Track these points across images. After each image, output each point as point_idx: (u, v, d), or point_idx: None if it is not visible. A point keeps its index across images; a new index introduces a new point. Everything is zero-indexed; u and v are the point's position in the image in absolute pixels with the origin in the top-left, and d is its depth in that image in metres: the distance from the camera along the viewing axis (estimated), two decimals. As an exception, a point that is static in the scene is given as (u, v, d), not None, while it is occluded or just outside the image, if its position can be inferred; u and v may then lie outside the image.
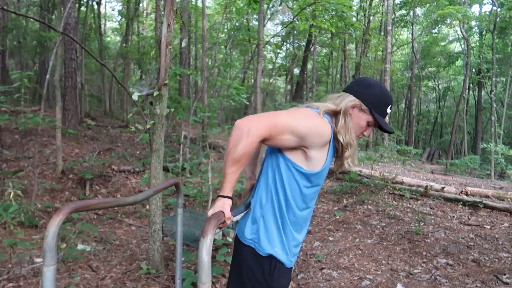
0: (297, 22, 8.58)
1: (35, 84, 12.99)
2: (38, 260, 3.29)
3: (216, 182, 5.13)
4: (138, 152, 8.45)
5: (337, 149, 1.50)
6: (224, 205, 1.33)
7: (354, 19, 13.10)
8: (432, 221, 5.05)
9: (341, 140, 1.45)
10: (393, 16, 16.33)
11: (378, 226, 4.93)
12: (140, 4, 17.58)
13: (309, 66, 19.95)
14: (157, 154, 3.14)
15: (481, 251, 4.01)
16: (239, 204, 1.67)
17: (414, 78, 19.62)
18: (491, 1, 15.45)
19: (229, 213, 1.33)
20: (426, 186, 6.45)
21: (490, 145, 12.10)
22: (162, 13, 3.13)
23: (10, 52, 13.70)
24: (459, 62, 22.37)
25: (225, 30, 15.79)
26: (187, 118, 6.23)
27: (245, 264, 1.50)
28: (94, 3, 14.85)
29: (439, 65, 23.26)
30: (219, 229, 1.51)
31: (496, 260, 3.78)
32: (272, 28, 24.10)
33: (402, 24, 19.15)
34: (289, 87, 24.00)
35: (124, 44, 15.39)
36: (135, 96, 3.09)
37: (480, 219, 5.23)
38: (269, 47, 16.96)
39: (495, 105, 14.90)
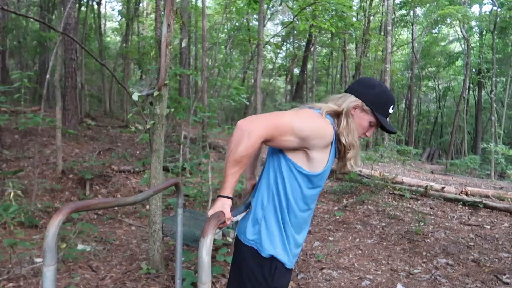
0: (297, 22, 8.58)
1: (35, 84, 12.99)
2: (38, 260, 3.29)
3: (216, 182, 5.13)
4: (138, 152, 8.45)
5: (340, 150, 1.49)
6: (224, 205, 1.33)
7: (354, 19, 13.10)
8: (432, 221, 5.05)
9: (344, 141, 1.44)
10: (393, 16, 16.34)
11: (378, 226, 4.93)
12: (140, 4, 17.58)
13: (309, 66, 19.95)
14: (157, 154, 3.14)
15: (481, 251, 4.01)
16: (239, 204, 1.67)
17: (414, 78, 19.62)
18: (491, 1, 15.46)
19: (229, 213, 1.32)
20: (426, 186, 6.45)
21: (490, 145, 12.10)
22: (162, 13, 3.13)
23: (10, 52, 13.70)
24: (459, 62, 22.37)
25: (225, 30, 15.79)
26: (187, 118, 6.23)
27: (245, 264, 1.50)
28: (94, 3, 14.86)
29: (439, 65, 23.27)
30: (219, 229, 1.51)
31: (496, 260, 3.78)
32: (272, 28, 24.11)
33: (402, 24, 19.15)
34: (289, 87, 24.00)
35: (124, 44, 15.39)
36: (135, 96, 3.09)
37: (480, 219, 5.23)
38: (269, 47, 16.96)
39: (495, 105, 14.89)
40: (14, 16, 12.15)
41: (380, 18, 18.58)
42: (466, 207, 5.71)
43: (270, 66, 21.30)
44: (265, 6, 11.98)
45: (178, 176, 6.15)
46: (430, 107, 29.97)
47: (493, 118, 14.66)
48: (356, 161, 1.49)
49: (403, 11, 17.59)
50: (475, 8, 21.11)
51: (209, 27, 16.31)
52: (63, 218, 1.10)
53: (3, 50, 9.36)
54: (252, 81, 17.53)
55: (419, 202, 6.04)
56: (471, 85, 20.81)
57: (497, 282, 3.27)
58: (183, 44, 10.84)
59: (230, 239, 3.87)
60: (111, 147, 8.20)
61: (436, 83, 26.47)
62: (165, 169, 5.79)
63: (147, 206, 4.68)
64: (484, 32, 18.48)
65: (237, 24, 14.20)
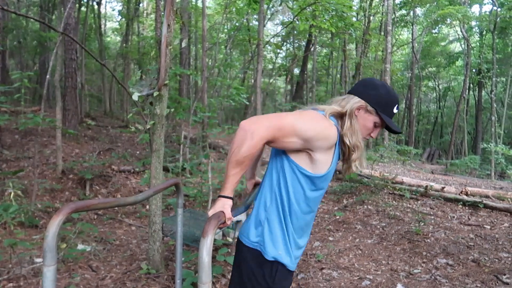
0: (297, 22, 8.58)
1: (35, 84, 12.99)
2: (38, 260, 3.29)
3: (216, 182, 5.13)
4: (138, 152, 8.45)
5: (344, 152, 1.48)
6: (224, 205, 1.32)
7: (354, 19, 13.09)
8: (432, 221, 5.05)
9: (348, 142, 1.43)
10: (393, 16, 16.34)
11: (378, 226, 4.93)
12: (140, 4, 17.58)
13: (309, 66, 19.95)
14: (157, 154, 3.14)
15: (481, 251, 4.01)
16: (239, 204, 1.67)
17: (414, 78, 19.62)
18: (491, 1, 15.45)
19: (230, 213, 1.32)
20: (426, 186, 6.45)
21: (490, 145, 12.10)
22: (162, 13, 3.13)
23: (10, 52, 13.71)
24: (459, 62, 22.37)
25: (225, 30, 15.79)
26: (187, 118, 6.23)
27: (246, 265, 1.49)
28: (94, 3, 14.86)
29: (439, 65, 23.26)
30: (219, 229, 1.51)
31: (496, 260, 3.78)
32: (272, 28, 24.12)
33: (402, 24, 19.15)
34: (289, 87, 24.00)
35: (124, 44, 15.39)
36: (135, 96, 3.09)
37: (480, 219, 5.23)
38: (269, 47, 16.96)
39: (495, 105, 14.89)
40: (14, 16, 12.15)
41: (380, 18, 18.57)
42: (466, 207, 5.71)
43: (270, 66, 21.30)
44: (265, 6, 11.98)
45: (178, 176, 6.16)
46: (430, 107, 29.98)
47: (493, 118, 14.66)
48: (361, 162, 1.48)
49: (403, 11, 17.59)
50: (475, 8, 21.14)
51: (209, 27, 16.32)
52: (63, 218, 1.11)
53: (3, 50, 9.36)
54: (252, 81, 17.53)
55: (419, 202, 6.04)
56: (471, 85, 20.81)
57: (497, 282, 3.27)
58: (183, 44, 10.84)
59: (230, 239, 3.87)
60: (111, 147, 8.21)
61: (436, 83, 26.47)
62: (165, 169, 5.79)
63: (147, 206, 4.68)
64: (484, 32, 18.48)
65: (237, 24, 14.20)
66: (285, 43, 20.29)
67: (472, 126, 23.07)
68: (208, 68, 9.47)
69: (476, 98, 21.55)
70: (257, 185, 1.88)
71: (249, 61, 14.39)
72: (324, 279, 3.38)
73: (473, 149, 19.76)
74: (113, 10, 24.47)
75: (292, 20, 9.73)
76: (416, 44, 19.27)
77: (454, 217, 5.32)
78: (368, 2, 17.11)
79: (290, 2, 13.71)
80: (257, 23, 11.05)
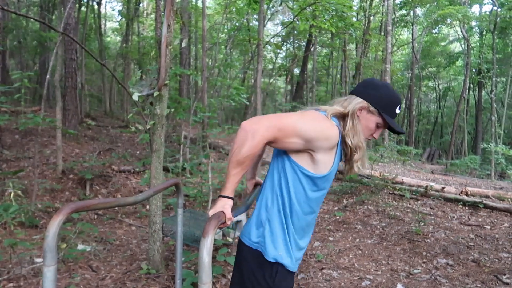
0: (297, 22, 8.58)
1: (36, 84, 12.99)
2: (39, 260, 3.29)
3: (216, 182, 5.13)
4: (138, 152, 8.46)
5: (346, 153, 1.48)
6: (225, 205, 1.32)
7: (354, 19, 13.09)
8: (432, 221, 5.05)
9: (349, 143, 1.43)
10: (393, 16, 16.33)
11: (378, 226, 4.93)
12: (140, 4, 17.59)
13: (309, 66, 19.95)
14: (157, 154, 3.14)
15: (481, 251, 4.01)
16: (239, 205, 1.67)
17: (414, 78, 19.62)
18: (491, 1, 15.46)
19: (230, 213, 1.32)
20: (426, 186, 6.44)
21: (491, 145, 12.10)
22: (162, 13, 3.13)
23: (10, 52, 13.71)
24: (459, 62, 22.36)
25: (225, 30, 15.79)
26: (187, 118, 6.23)
27: (246, 264, 1.49)
28: (94, 3, 14.86)
29: (439, 65, 23.26)
30: (220, 229, 1.51)
31: (496, 260, 3.78)
32: (272, 28, 24.12)
33: (402, 24, 19.15)
34: (289, 87, 24.00)
35: (124, 44, 15.40)
36: (135, 96, 3.09)
37: (480, 219, 5.23)
38: (269, 47, 16.96)
39: (495, 105, 14.89)
40: (15, 16, 12.16)
41: (380, 18, 18.58)
42: (466, 207, 5.71)
43: (270, 66, 21.30)
44: (265, 6, 11.97)
45: (178, 176, 6.16)
46: (430, 107, 29.98)
47: (493, 118, 14.66)
48: (363, 163, 1.48)
49: (403, 11, 17.59)
50: (475, 8, 21.14)
51: (209, 27, 16.32)
52: (63, 218, 1.11)
53: (3, 50, 9.36)
54: (252, 81, 17.54)
55: (419, 202, 6.04)
56: (471, 85, 20.81)
57: (497, 282, 3.28)
58: (183, 44, 10.84)
59: (230, 239, 3.87)
60: (111, 147, 8.21)
61: (436, 83, 26.47)
62: (165, 169, 5.79)
63: (147, 206, 4.69)
64: (484, 32, 18.48)
65: (237, 24, 14.20)
66: (285, 43, 20.29)
67: (472, 126, 23.07)
68: (208, 68, 9.48)
69: (476, 98, 21.55)
70: (257, 185, 1.88)
71: (249, 61, 14.39)
72: (324, 279, 3.38)
73: (473, 149, 19.76)
74: (113, 10, 24.49)
75: (292, 20, 9.73)
76: (416, 44, 19.27)
77: (454, 217, 5.32)
78: (368, 2, 17.11)
79: (290, 2, 13.71)
80: (257, 23, 11.05)
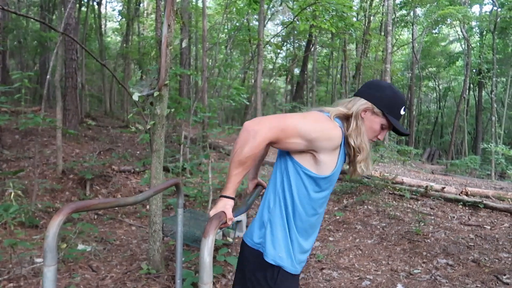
0: (297, 22, 8.59)
1: (36, 84, 12.99)
2: (39, 260, 3.29)
3: (216, 182, 5.13)
4: (138, 152, 8.46)
5: (349, 154, 1.47)
6: (226, 205, 1.32)
7: (354, 19, 13.09)
8: (432, 221, 5.05)
9: (352, 144, 1.42)
10: (394, 16, 16.32)
11: (378, 226, 4.93)
12: (141, 4, 17.59)
13: (309, 66, 19.96)
14: (158, 154, 3.14)
15: (481, 252, 4.01)
16: (240, 205, 1.67)
17: (415, 78, 19.62)
18: (492, 1, 15.46)
19: (231, 213, 1.32)
20: (426, 186, 6.44)
21: (491, 145, 12.10)
22: (163, 13, 3.13)
23: (10, 52, 13.72)
24: (459, 62, 22.36)
25: (226, 30, 15.81)
26: (187, 118, 6.23)
27: (249, 267, 1.49)
28: (95, 3, 14.87)
29: (439, 65, 23.26)
30: (220, 229, 1.51)
31: (496, 260, 3.78)
32: (272, 28, 24.12)
33: (402, 24, 19.14)
34: (289, 87, 24.01)
35: (124, 45, 15.40)
36: (135, 97, 3.09)
37: (480, 220, 5.23)
38: (269, 47, 16.97)
39: (495, 105, 14.89)
40: (15, 16, 12.16)
41: (380, 18, 18.58)
42: (466, 208, 5.71)
43: (271, 66, 21.31)
44: (265, 6, 11.98)
45: (178, 176, 6.16)
46: (430, 107, 29.99)
47: (493, 118, 14.66)
48: (367, 164, 1.46)
49: (403, 11, 17.58)
50: (476, 8, 21.13)
51: (210, 27, 16.33)
52: (63, 218, 1.11)
53: (3, 50, 9.36)
54: (252, 81, 17.55)
55: (419, 202, 6.04)
56: (472, 85, 20.81)
57: (497, 282, 3.28)
58: (184, 44, 10.85)
59: (230, 239, 3.88)
60: (111, 147, 8.21)
61: (437, 83, 26.47)
62: (166, 169, 5.79)
63: (148, 206, 4.69)
64: (484, 32, 18.48)
65: (237, 24, 14.20)
66: (285, 43, 20.30)
67: (472, 126, 23.07)
68: (209, 68, 9.48)
69: (476, 98, 21.55)
70: (258, 185, 1.88)
71: (249, 61, 14.40)
72: (324, 279, 3.38)
73: (473, 149, 19.75)
74: (113, 10, 24.45)
75: (292, 20, 9.73)
76: (416, 44, 19.27)
77: (454, 217, 5.32)
78: (368, 2, 17.11)
79: (290, 2, 13.72)
80: (257, 23, 11.06)
